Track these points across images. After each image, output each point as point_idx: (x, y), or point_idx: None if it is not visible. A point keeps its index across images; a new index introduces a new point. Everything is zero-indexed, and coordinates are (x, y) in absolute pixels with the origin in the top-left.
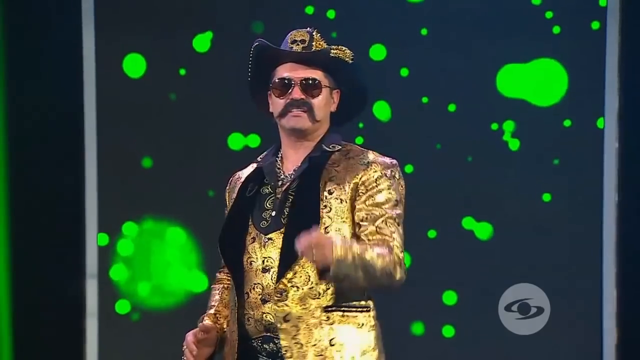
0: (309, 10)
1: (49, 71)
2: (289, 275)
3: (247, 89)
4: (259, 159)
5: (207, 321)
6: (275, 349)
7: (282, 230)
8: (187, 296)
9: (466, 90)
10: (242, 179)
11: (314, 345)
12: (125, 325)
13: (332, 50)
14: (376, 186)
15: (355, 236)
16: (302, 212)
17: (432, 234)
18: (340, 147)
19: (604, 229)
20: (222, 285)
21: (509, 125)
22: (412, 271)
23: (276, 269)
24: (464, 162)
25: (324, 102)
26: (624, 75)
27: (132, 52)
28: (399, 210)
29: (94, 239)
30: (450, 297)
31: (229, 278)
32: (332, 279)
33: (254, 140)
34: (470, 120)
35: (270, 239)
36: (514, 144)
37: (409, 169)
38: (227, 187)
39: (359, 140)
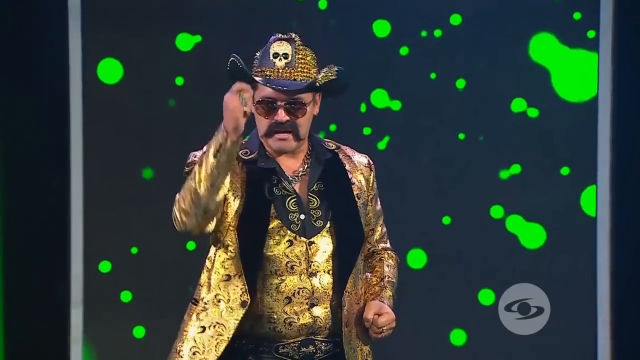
0: None
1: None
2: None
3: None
4: (241, 154)
5: None
6: (313, 350)
7: (321, 233)
8: None
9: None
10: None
11: (361, 349)
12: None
13: (318, 79)
14: (375, 188)
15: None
16: (346, 217)
17: (446, 220)
18: (331, 145)
19: (597, 245)
20: None
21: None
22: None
23: (323, 273)
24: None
25: (308, 118)
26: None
27: (110, 56)
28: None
29: (79, 268)
30: None
31: None
32: None
33: None
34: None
35: (313, 242)
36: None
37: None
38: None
39: (367, 130)
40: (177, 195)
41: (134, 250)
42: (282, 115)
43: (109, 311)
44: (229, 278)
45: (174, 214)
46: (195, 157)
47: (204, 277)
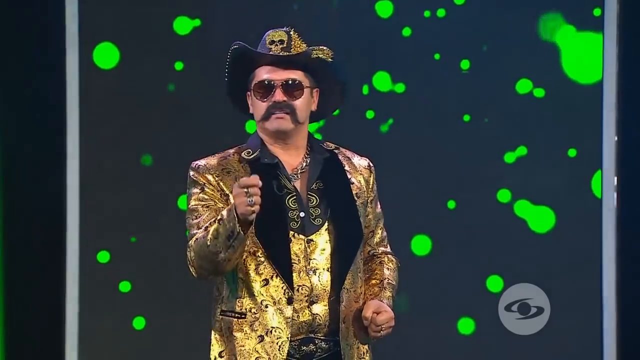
0: None
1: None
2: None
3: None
4: (244, 154)
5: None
6: (313, 349)
7: (320, 232)
8: None
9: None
10: (235, 170)
11: (357, 347)
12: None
13: (313, 52)
14: (375, 190)
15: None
16: (344, 216)
17: (451, 204)
18: (331, 145)
19: (603, 228)
20: None
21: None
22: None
23: (322, 271)
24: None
25: (306, 103)
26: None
27: (106, 40)
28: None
29: (75, 258)
30: None
31: None
32: None
33: None
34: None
35: (311, 240)
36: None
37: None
38: (214, 174)
39: (370, 114)
40: (190, 246)
41: (133, 239)
42: (279, 95)
43: (108, 302)
44: (267, 282)
45: (189, 262)
46: (197, 167)
47: (240, 289)
